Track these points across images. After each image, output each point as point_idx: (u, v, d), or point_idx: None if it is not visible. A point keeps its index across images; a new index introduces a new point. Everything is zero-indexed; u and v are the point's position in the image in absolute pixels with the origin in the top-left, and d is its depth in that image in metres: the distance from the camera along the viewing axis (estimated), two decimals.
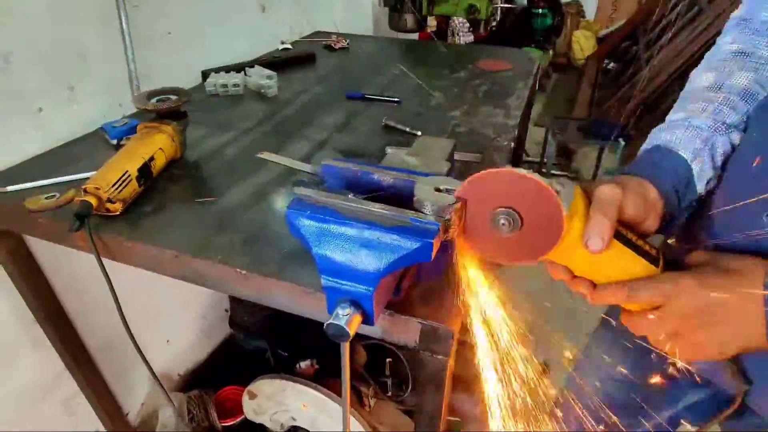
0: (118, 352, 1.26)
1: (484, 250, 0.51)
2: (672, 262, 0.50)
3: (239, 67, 1.33)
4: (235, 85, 1.25)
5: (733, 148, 0.58)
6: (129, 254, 0.73)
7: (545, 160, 2.69)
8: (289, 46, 1.65)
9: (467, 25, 3.26)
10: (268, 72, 1.27)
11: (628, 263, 0.49)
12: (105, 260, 0.73)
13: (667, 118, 0.61)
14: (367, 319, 0.51)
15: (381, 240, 0.47)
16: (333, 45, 1.69)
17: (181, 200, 0.81)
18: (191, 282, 0.71)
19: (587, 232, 0.46)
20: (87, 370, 1.13)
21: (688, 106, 0.59)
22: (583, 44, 4.61)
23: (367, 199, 0.50)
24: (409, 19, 2.36)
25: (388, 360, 1.49)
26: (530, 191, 0.45)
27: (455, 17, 2.81)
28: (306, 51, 1.55)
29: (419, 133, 1.04)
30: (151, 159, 0.82)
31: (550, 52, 4.21)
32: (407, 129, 1.06)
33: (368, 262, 0.48)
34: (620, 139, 2.44)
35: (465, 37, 3.22)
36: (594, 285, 0.51)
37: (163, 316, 1.44)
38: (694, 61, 2.82)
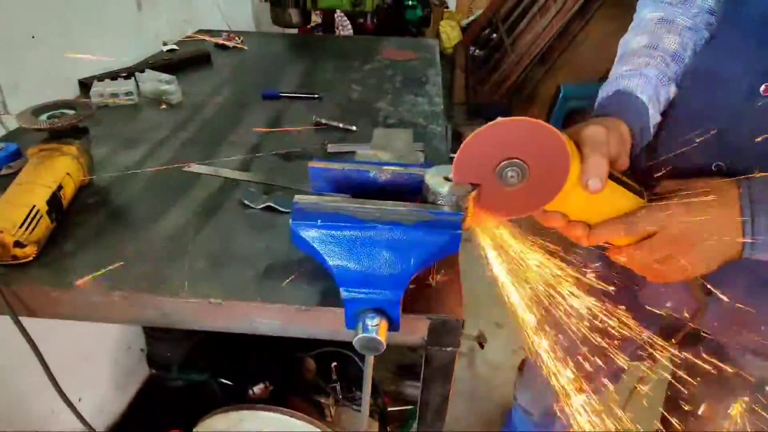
0: (19, 425, 1.04)
1: (491, 209, 0.49)
2: (654, 194, 0.55)
3: (126, 73, 1.16)
4: (127, 93, 1.09)
5: (669, 100, 0.66)
6: (58, 306, 0.59)
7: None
8: (175, 47, 1.48)
9: (345, 19, 3.25)
10: (166, 76, 1.12)
11: (620, 199, 0.53)
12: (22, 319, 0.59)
13: (612, 72, 0.67)
14: (393, 326, 0.48)
15: (407, 239, 0.44)
16: (225, 43, 1.56)
17: (108, 233, 0.68)
18: (148, 324, 0.60)
19: (586, 173, 0.48)
20: None
21: (632, 60, 0.65)
22: (449, 33, 4.90)
23: (373, 200, 0.47)
24: (294, 14, 2.27)
25: (333, 364, 1.45)
26: (533, 135, 0.45)
27: (339, 10, 2.78)
28: (199, 50, 1.40)
29: (354, 128, 1.01)
30: (60, 188, 0.67)
31: None
32: (340, 125, 1.02)
33: (394, 264, 0.45)
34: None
35: (345, 31, 3.22)
36: (589, 226, 0.54)
37: (68, 372, 1.21)
38: (553, 43, 3.17)
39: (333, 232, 0.44)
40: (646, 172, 0.67)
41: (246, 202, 0.75)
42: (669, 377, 0.88)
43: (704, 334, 0.72)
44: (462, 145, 0.46)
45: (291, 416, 1.09)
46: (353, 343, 0.45)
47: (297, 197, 0.47)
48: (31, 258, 0.60)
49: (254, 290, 0.59)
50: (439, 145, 0.96)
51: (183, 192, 0.78)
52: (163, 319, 0.60)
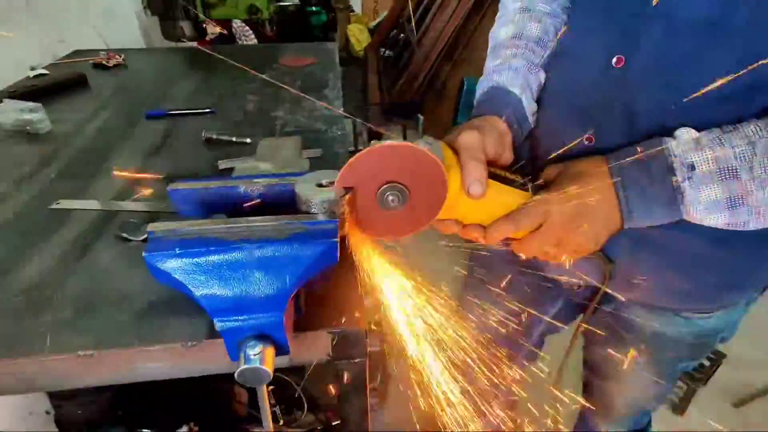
0: None
1: (377, 231, 0.49)
2: (537, 184, 0.57)
3: None
4: None
5: (541, 85, 0.68)
6: None
7: (360, 147, 2.81)
8: (44, 71, 1.34)
9: (247, 28, 3.15)
10: (29, 104, 1.00)
11: (506, 197, 0.54)
12: None
13: (486, 66, 0.69)
14: (281, 349, 0.44)
15: (279, 255, 0.41)
16: (105, 63, 1.43)
17: None
18: (13, 393, 0.52)
19: (466, 179, 0.49)
20: None
21: (501, 53, 0.67)
22: (358, 36, 4.92)
23: (240, 217, 0.43)
24: (186, 27, 2.17)
25: (270, 388, 1.38)
26: (408, 159, 0.45)
27: (235, 20, 2.69)
28: (72, 73, 1.28)
29: (248, 140, 0.96)
30: None
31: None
32: (233, 139, 0.96)
33: (270, 284, 0.41)
34: (418, 115, 2.70)
35: (249, 41, 3.12)
36: (483, 227, 0.54)
37: None
38: (454, 40, 3.28)
39: (195, 259, 0.40)
40: (533, 159, 0.68)
41: (124, 235, 0.67)
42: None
43: (606, 300, 0.75)
44: (350, 162, 0.44)
45: None
46: (235, 376, 0.41)
47: (151, 225, 0.41)
48: None
49: (132, 334, 0.52)
50: (339, 149, 0.94)
51: (49, 233, 0.69)
52: (27, 384, 0.52)
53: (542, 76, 0.67)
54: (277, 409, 1.40)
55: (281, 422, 1.41)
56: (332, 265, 0.42)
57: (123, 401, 1.21)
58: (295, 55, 1.53)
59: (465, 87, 2.49)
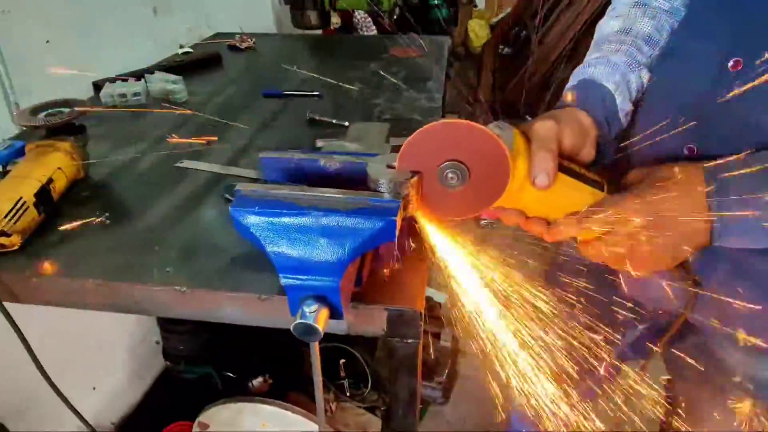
0: (33, 414, 1.10)
1: (438, 210, 0.50)
2: (615, 185, 0.53)
3: (137, 75, 1.21)
4: (135, 94, 1.13)
5: (643, 86, 0.62)
6: (38, 292, 0.63)
7: None
8: (190, 50, 1.54)
9: (369, 19, 3.27)
10: (172, 77, 1.16)
11: (576, 193, 0.51)
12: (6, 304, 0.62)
13: (585, 59, 0.65)
14: (336, 313, 0.48)
15: (342, 225, 0.44)
16: (238, 45, 1.60)
17: (95, 224, 0.71)
18: (122, 311, 0.63)
19: (533, 170, 0.47)
20: None
21: (603, 47, 0.63)
22: (478, 32, 4.84)
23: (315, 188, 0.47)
24: (313, 16, 2.31)
25: (341, 361, 1.45)
26: (471, 139, 0.45)
27: (358, 11, 2.81)
28: (210, 52, 1.45)
29: (347, 123, 1.01)
30: (50, 181, 0.71)
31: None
32: (333, 121, 1.03)
33: (330, 251, 0.45)
34: (527, 117, 2.60)
35: (369, 32, 3.23)
36: (548, 223, 0.52)
37: (83, 361, 1.28)
38: (578, 40, 3.08)
39: (270, 218, 0.44)
40: (619, 161, 0.64)
41: (227, 196, 0.76)
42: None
43: (691, 331, 0.68)
44: (405, 142, 0.46)
45: (287, 410, 1.10)
46: (291, 329, 0.45)
47: (239, 185, 0.47)
48: (16, 247, 0.64)
49: (219, 280, 0.60)
50: None
51: (170, 187, 0.80)
52: (135, 306, 0.63)
53: (645, 75, 0.62)
54: (345, 382, 1.48)
55: (348, 393, 1.48)
56: (390, 241, 0.45)
57: (215, 344, 1.37)
58: (405, 48, 1.56)
59: None
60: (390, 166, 0.47)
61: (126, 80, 1.16)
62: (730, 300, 0.57)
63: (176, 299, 0.60)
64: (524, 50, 3.86)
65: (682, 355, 0.69)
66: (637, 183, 0.52)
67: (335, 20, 2.91)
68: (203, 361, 1.37)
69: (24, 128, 0.96)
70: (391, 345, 0.60)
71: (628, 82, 0.60)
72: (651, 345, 0.72)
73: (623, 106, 0.60)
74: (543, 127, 0.49)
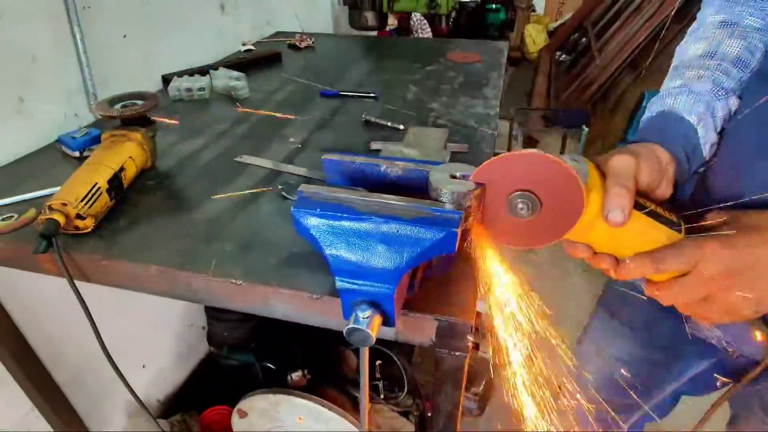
0: (90, 384, 1.17)
1: (501, 236, 0.49)
2: (693, 226, 0.50)
3: (202, 70, 1.26)
4: (200, 89, 1.18)
5: (731, 113, 0.58)
6: (106, 274, 0.66)
7: (503, 150, 2.73)
8: (252, 47, 1.59)
9: (425, 21, 3.27)
10: (236, 73, 1.21)
11: (650, 233, 0.48)
12: (77, 283, 0.66)
13: (664, 87, 0.62)
14: (388, 320, 0.47)
15: (401, 233, 0.44)
16: (297, 44, 1.64)
17: (158, 212, 0.75)
18: (181, 299, 0.65)
19: (607, 205, 0.45)
20: (58, 407, 1.04)
21: (684, 73, 0.59)
22: (535, 38, 4.73)
23: (376, 193, 0.47)
24: (370, 17, 2.33)
25: (378, 362, 1.46)
26: (547, 171, 0.44)
27: (415, 13, 2.81)
28: (271, 50, 1.49)
29: (401, 126, 1.01)
30: (122, 169, 0.75)
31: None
32: (389, 123, 1.03)
33: (388, 258, 0.44)
34: (583, 126, 2.51)
35: (424, 34, 3.23)
36: (617, 259, 0.50)
37: (135, 340, 1.35)
38: (642, 49, 2.94)
39: (331, 221, 0.45)
40: (699, 199, 0.60)
41: (284, 193, 0.78)
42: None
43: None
44: (487, 162, 0.45)
45: (323, 405, 1.11)
46: (344, 332, 0.46)
47: (302, 186, 0.48)
48: (89, 230, 0.68)
49: (273, 275, 0.61)
50: (486, 148, 0.94)
51: (230, 180, 0.83)
52: (193, 294, 0.65)
53: (734, 103, 0.57)
54: (380, 384, 1.48)
55: (382, 395, 1.48)
56: (450, 253, 0.44)
57: (259, 335, 1.40)
58: (464, 51, 1.55)
59: (645, 101, 2.22)
60: (453, 176, 0.47)
61: (192, 75, 1.22)
62: None
63: (231, 291, 0.62)
64: (583, 58, 3.74)
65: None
66: (719, 226, 0.49)
67: (391, 22, 2.93)
68: (245, 350, 1.41)
69: (100, 117, 1.02)
70: (438, 356, 0.59)
71: (713, 111, 0.56)
72: (725, 381, 0.68)
73: (707, 138, 0.56)
74: (620, 162, 0.46)
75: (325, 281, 0.60)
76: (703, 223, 0.51)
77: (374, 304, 0.46)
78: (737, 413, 0.76)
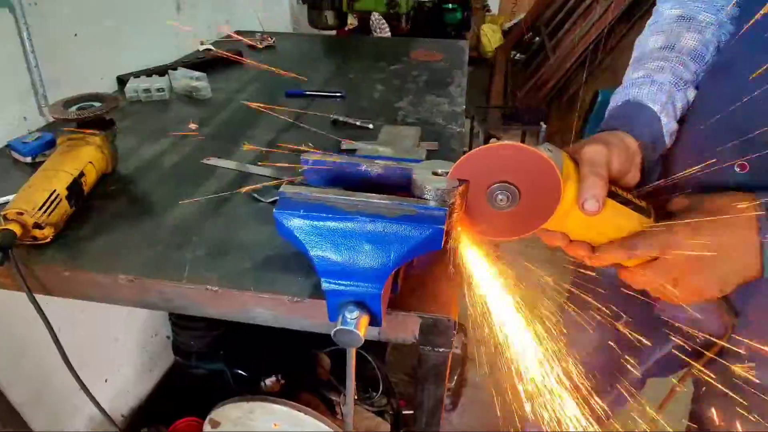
0: (49, 402, 1.10)
1: (481, 228, 0.50)
2: (660, 211, 0.53)
3: (160, 71, 1.21)
4: (159, 90, 1.14)
5: (688, 103, 0.62)
6: (70, 286, 0.63)
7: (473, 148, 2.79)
8: (211, 47, 1.54)
9: (384, 21, 3.27)
10: (196, 73, 1.17)
11: (623, 219, 0.50)
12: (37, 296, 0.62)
13: (626, 78, 0.65)
14: (375, 320, 0.47)
15: (387, 232, 0.44)
16: (258, 44, 1.61)
17: (123, 219, 0.72)
18: (151, 308, 0.63)
19: (582, 194, 0.47)
20: (14, 429, 0.97)
21: (646, 65, 0.62)
22: (490, 37, 4.84)
23: (360, 192, 0.47)
24: (330, 16, 2.32)
25: None
26: (525, 162, 0.45)
27: (374, 13, 2.81)
28: (231, 50, 1.45)
29: (371, 125, 1.01)
30: (81, 175, 0.71)
31: None
32: (358, 123, 1.02)
33: (374, 257, 0.44)
34: (541, 123, 2.59)
35: (384, 33, 3.23)
36: (592, 247, 0.52)
37: (95, 353, 1.28)
38: (594, 47, 3.07)
39: (315, 222, 0.44)
40: (662, 185, 0.63)
41: (255, 195, 0.76)
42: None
43: (729, 355, 0.67)
44: (466, 156, 0.46)
45: (299, 410, 1.10)
46: (331, 335, 0.45)
47: (283, 187, 0.47)
48: (48, 239, 0.64)
49: (250, 280, 0.60)
50: (455, 146, 0.95)
51: (198, 183, 0.80)
52: (165, 303, 0.63)
53: (691, 94, 0.61)
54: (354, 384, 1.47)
55: (356, 397, 1.48)
56: (435, 250, 0.44)
57: (227, 342, 1.37)
58: (426, 50, 1.56)
59: (599, 99, 2.33)
60: (435, 173, 0.47)
61: (150, 76, 1.17)
62: None
63: (207, 298, 0.60)
64: (537, 57, 3.86)
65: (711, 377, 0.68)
66: (685, 211, 0.52)
67: (351, 21, 2.91)
68: (214, 358, 1.37)
69: (53, 120, 0.96)
70: (421, 353, 0.60)
71: (674, 101, 0.60)
72: (688, 362, 0.72)
73: (669, 126, 0.59)
74: (593, 151, 0.48)
75: (304, 283, 0.59)
76: (669, 208, 0.54)
77: (361, 305, 0.46)
78: (701, 392, 0.81)
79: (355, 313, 0.45)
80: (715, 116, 0.57)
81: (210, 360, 1.38)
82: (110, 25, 1.17)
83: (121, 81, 1.18)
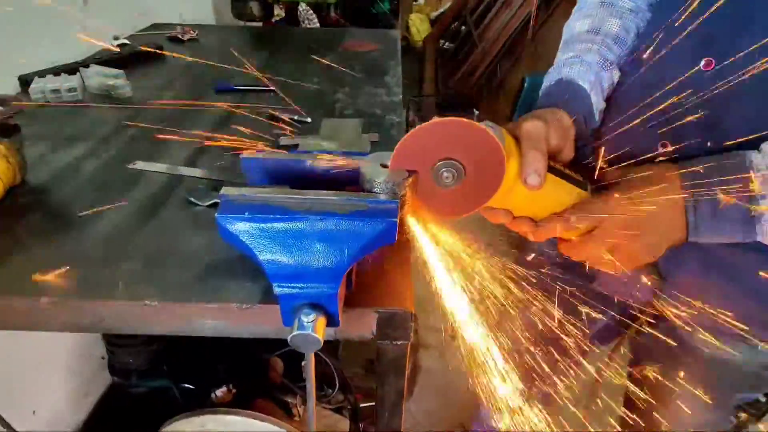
0: None
1: (431, 208, 0.49)
2: (595, 183, 0.55)
3: (70, 69, 1.10)
4: (70, 90, 1.03)
5: (613, 84, 0.65)
6: None
7: None
8: (126, 42, 1.43)
9: (312, 12, 3.20)
10: (113, 71, 1.07)
11: (562, 193, 0.53)
12: None
13: (557, 59, 0.67)
14: (333, 321, 0.46)
15: (340, 229, 0.42)
16: (180, 36, 1.51)
17: (39, 235, 0.64)
18: (85, 331, 0.57)
19: (525, 169, 0.48)
20: None
21: (575, 47, 0.65)
22: (419, 26, 4.89)
23: (307, 190, 0.45)
24: (255, 7, 2.23)
25: (303, 363, 1.42)
26: (468, 137, 0.44)
27: (302, 3, 2.74)
28: (151, 44, 1.35)
29: (309, 119, 0.99)
30: None
31: None
32: (295, 117, 0.99)
33: (328, 256, 0.43)
34: (473, 110, 2.66)
35: (312, 24, 3.16)
36: (535, 222, 0.54)
37: (20, 383, 1.16)
38: (519, 34, 3.19)
39: (262, 224, 0.42)
40: (594, 160, 0.66)
41: (192, 199, 0.71)
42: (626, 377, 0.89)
43: (659, 319, 0.73)
44: (400, 141, 0.45)
45: (254, 418, 1.06)
46: (288, 340, 0.43)
47: (224, 189, 0.44)
48: None
49: (193, 291, 0.56)
50: (396, 135, 0.95)
51: (125, 191, 0.74)
52: (99, 325, 0.57)
53: (616, 75, 0.65)
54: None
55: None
56: (389, 244, 0.44)
57: (169, 356, 1.29)
58: (358, 41, 1.54)
59: (527, 85, 2.43)
60: (384, 165, 0.46)
61: (58, 75, 1.06)
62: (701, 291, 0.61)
63: (147, 315, 0.55)
64: (465, 46, 3.96)
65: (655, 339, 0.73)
66: (617, 182, 0.55)
67: (277, 12, 2.82)
68: (157, 374, 1.29)
69: None
70: (380, 348, 0.59)
71: (601, 80, 0.63)
72: (623, 329, 0.77)
73: (598, 104, 0.63)
74: (532, 126, 0.50)
75: (252, 288, 0.56)
76: (604, 181, 0.57)
77: (317, 306, 0.44)
78: (636, 356, 0.88)
79: (312, 316, 0.43)
80: (638, 98, 0.61)
81: (152, 377, 1.29)
82: (5, 21, 1.04)
83: (24, 81, 1.06)
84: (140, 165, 0.80)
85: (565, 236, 0.56)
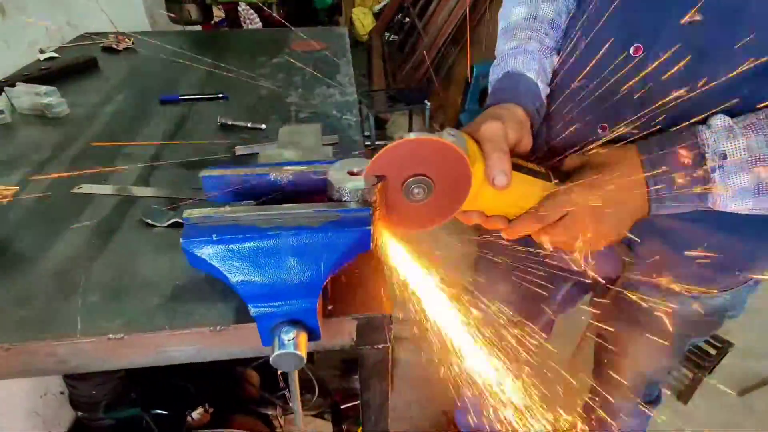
0: None
1: (401, 222, 0.50)
2: (556, 172, 0.57)
3: None
4: None
5: (554, 69, 0.67)
6: None
7: (368, 132, 2.80)
8: (54, 54, 1.33)
9: (252, 11, 3.12)
10: (43, 88, 1.00)
11: (529, 187, 0.54)
12: None
13: (499, 49, 0.69)
14: (314, 335, 0.45)
15: (314, 242, 0.41)
16: (114, 46, 1.42)
17: None
18: (44, 374, 0.53)
19: (491, 171, 0.49)
20: None
21: (516, 35, 0.67)
22: (363, 21, 4.86)
23: (274, 205, 0.44)
24: (193, 10, 2.13)
25: (279, 372, 1.40)
26: (434, 153, 0.45)
27: (242, 3, 2.65)
28: (84, 56, 1.27)
29: (263, 126, 0.96)
30: None
31: None
32: (248, 124, 0.96)
33: (304, 271, 0.42)
34: (425, 101, 2.68)
35: (254, 25, 3.08)
36: (507, 219, 0.55)
37: None
38: (462, 23, 3.23)
39: (232, 245, 0.40)
40: (548, 144, 0.68)
41: (148, 220, 0.68)
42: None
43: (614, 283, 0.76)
44: (378, 155, 0.45)
45: None
46: (270, 361, 0.42)
47: (187, 212, 0.42)
48: None
49: (161, 317, 0.53)
50: (354, 135, 0.94)
51: (72, 218, 0.69)
52: (60, 366, 0.53)
53: (555, 58, 0.67)
54: (286, 392, 1.43)
55: (289, 405, 1.43)
56: (365, 252, 0.43)
57: (136, 383, 1.23)
58: (306, 40, 1.51)
59: (475, 73, 2.46)
60: (351, 173, 0.45)
61: None
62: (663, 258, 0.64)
63: (112, 349, 0.52)
64: (410, 38, 3.97)
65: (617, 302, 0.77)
66: (578, 168, 0.56)
67: (217, 14, 2.72)
68: (126, 404, 1.23)
69: None
70: (361, 354, 0.58)
71: (544, 67, 0.65)
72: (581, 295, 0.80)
73: (545, 91, 0.65)
74: (491, 128, 0.51)
75: (225, 308, 0.54)
76: (564, 168, 0.58)
77: (296, 323, 0.43)
78: (599, 316, 0.92)
79: (292, 333, 0.42)
80: (576, 83, 0.63)
81: (120, 407, 1.23)
82: None
83: None
84: (86, 188, 0.75)
85: (535, 236, 0.58)
